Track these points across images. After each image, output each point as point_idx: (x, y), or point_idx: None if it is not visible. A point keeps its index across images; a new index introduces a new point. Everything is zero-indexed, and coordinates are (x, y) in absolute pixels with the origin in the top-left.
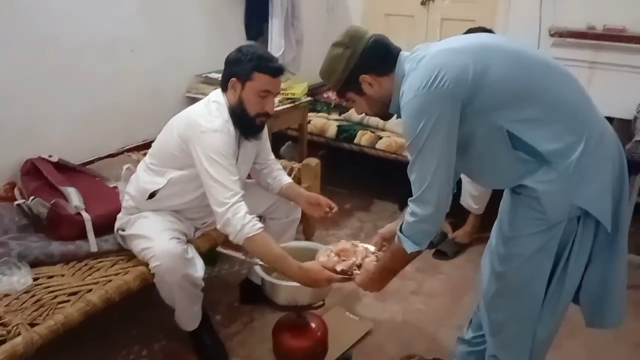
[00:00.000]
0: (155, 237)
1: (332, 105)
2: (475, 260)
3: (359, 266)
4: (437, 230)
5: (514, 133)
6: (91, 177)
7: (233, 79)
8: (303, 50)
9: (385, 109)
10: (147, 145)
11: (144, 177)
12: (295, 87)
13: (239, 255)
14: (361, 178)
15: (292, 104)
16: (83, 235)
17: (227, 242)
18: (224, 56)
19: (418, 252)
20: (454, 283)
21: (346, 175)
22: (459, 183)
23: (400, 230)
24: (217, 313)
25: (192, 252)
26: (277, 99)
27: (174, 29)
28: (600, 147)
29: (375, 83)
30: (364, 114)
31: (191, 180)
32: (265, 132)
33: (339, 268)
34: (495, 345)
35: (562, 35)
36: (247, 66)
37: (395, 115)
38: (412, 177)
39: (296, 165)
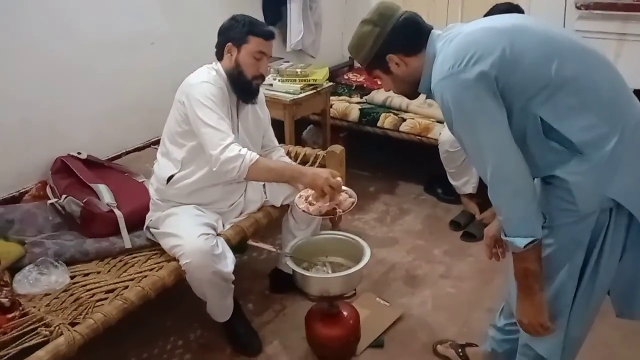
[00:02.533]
0: (184, 235)
1: (353, 88)
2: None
3: (338, 205)
4: (534, 205)
5: (546, 121)
6: (120, 173)
7: (229, 43)
8: (322, 33)
9: (412, 89)
10: None
11: (158, 165)
12: (317, 72)
13: (269, 247)
14: (385, 159)
15: (314, 90)
16: (116, 232)
17: (256, 235)
18: None
19: (537, 243)
20: (483, 265)
21: (369, 157)
22: None
23: (505, 235)
24: (249, 302)
25: (221, 247)
26: (298, 86)
27: (192, 20)
28: (635, 138)
29: (402, 63)
30: (386, 96)
31: (201, 151)
32: (267, 115)
33: (324, 211)
34: (527, 335)
35: (589, 7)
36: (242, 30)
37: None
38: (475, 165)
39: (321, 153)
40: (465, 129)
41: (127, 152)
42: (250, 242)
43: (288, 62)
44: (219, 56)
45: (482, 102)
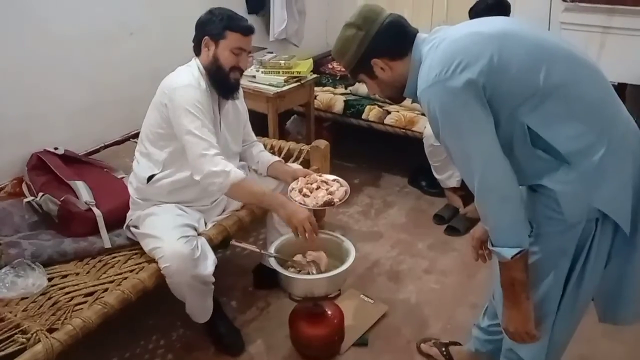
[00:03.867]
0: (164, 237)
1: (338, 77)
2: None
3: (332, 194)
4: (521, 214)
5: (534, 130)
6: (99, 169)
7: (206, 37)
8: (306, 21)
9: (398, 93)
10: None
11: (137, 165)
12: (301, 64)
13: (252, 248)
14: (369, 151)
15: (298, 83)
16: (95, 231)
17: (239, 232)
18: None
19: (524, 253)
20: (467, 260)
21: (353, 148)
22: None
23: (492, 244)
24: (232, 299)
25: (202, 248)
26: (282, 78)
27: (171, 8)
28: (622, 147)
29: (387, 68)
30: None
31: (183, 153)
32: (244, 110)
33: (321, 202)
34: (511, 340)
35: None
36: (219, 25)
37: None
38: (461, 173)
39: (305, 147)
40: (452, 137)
41: (106, 146)
42: (233, 242)
43: (272, 52)
44: (197, 51)
45: (469, 110)
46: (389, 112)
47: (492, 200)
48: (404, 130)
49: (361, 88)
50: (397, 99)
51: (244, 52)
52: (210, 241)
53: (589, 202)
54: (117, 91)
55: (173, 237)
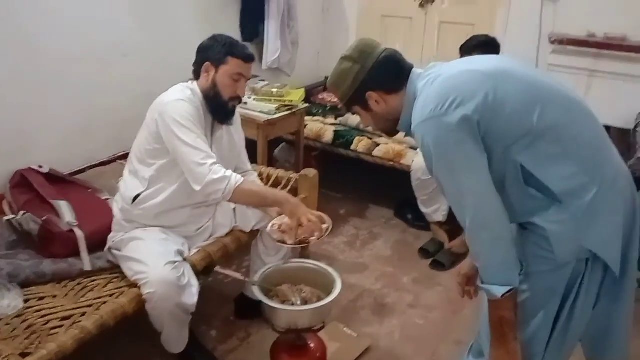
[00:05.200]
0: (150, 262)
1: (328, 108)
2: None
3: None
4: (512, 253)
5: (527, 168)
6: (83, 189)
7: (207, 63)
8: (298, 52)
9: (392, 126)
10: None
11: (124, 184)
12: (293, 93)
13: (237, 275)
14: (356, 181)
15: (289, 111)
16: (76, 253)
17: (223, 260)
18: None
19: (514, 292)
20: (452, 295)
21: (341, 178)
22: None
23: (482, 282)
24: (212, 328)
25: (187, 276)
26: (273, 106)
27: (167, 31)
28: (614, 189)
29: (382, 101)
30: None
31: (171, 169)
32: (242, 137)
33: (298, 238)
34: None
35: (562, 42)
36: (222, 51)
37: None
38: (454, 209)
39: (294, 176)
40: (445, 173)
41: (92, 167)
42: (217, 269)
43: (264, 80)
44: (197, 75)
45: (463, 146)
46: (377, 144)
47: (484, 238)
48: (392, 163)
49: (351, 119)
50: (391, 132)
51: (243, 79)
52: (193, 267)
53: (579, 242)
54: (108, 112)
55: (160, 263)
